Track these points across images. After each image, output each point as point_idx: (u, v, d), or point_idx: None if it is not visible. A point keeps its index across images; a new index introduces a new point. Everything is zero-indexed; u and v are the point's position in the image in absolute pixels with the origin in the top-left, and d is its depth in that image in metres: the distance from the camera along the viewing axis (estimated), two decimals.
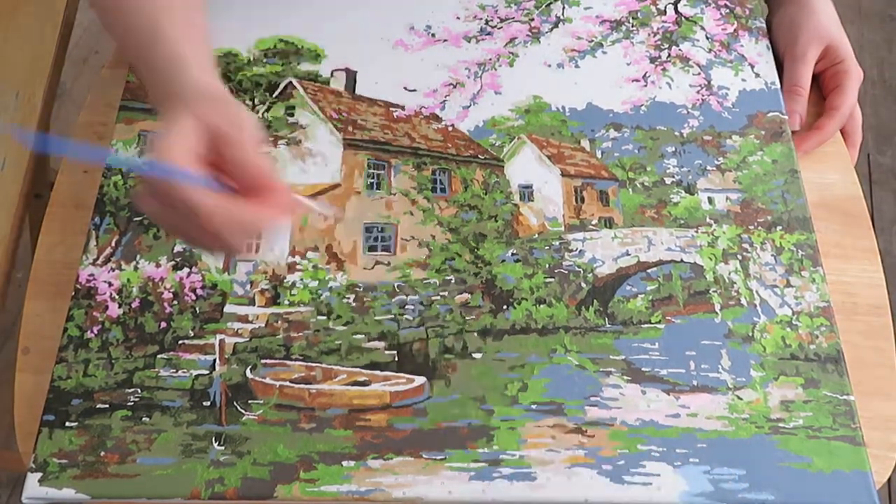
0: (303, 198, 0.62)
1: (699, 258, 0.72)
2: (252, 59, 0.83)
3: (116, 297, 0.70)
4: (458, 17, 0.87)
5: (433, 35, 0.86)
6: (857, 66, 0.82)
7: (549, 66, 0.84)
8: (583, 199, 0.76)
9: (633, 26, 0.86)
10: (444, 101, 0.81)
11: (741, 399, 0.65)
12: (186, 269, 0.72)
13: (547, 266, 0.72)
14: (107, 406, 0.65)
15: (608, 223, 0.75)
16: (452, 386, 0.66)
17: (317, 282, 0.71)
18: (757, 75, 0.83)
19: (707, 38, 0.86)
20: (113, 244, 0.73)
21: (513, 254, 0.73)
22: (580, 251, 0.73)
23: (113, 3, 0.64)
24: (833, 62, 0.82)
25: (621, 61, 0.84)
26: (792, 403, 0.65)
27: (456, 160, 0.78)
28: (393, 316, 0.69)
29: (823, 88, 0.83)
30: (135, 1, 0.63)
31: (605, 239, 0.74)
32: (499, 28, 0.86)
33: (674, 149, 0.79)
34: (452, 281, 0.72)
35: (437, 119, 0.80)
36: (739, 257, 0.72)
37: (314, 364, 0.67)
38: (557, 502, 0.62)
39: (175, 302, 0.70)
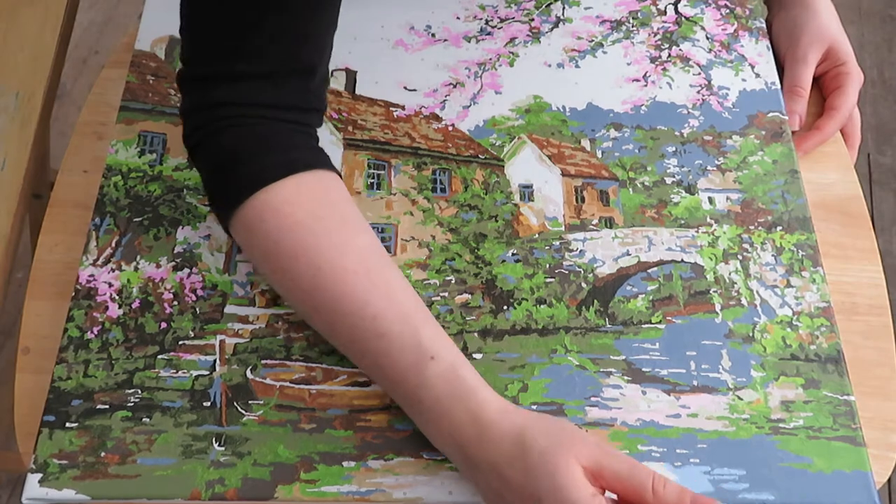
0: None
1: (700, 258, 0.72)
2: None
3: (116, 297, 0.70)
4: (458, 17, 0.87)
5: (433, 35, 0.86)
6: (858, 69, 0.83)
7: (550, 65, 0.84)
8: (583, 199, 0.76)
9: (633, 26, 0.86)
10: (445, 100, 0.81)
11: (741, 399, 0.65)
12: (187, 270, 0.72)
13: (547, 266, 0.72)
14: (107, 407, 0.65)
15: (609, 223, 0.75)
16: None
17: None
18: (757, 75, 0.83)
19: (707, 39, 0.86)
20: (113, 245, 0.73)
21: (513, 254, 0.73)
22: (580, 251, 0.73)
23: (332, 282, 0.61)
24: (834, 64, 0.82)
25: (621, 61, 0.84)
26: (792, 404, 0.65)
27: (456, 160, 0.78)
28: None
29: (824, 90, 0.83)
30: (372, 290, 0.61)
31: (605, 239, 0.74)
32: (499, 28, 0.86)
33: (674, 149, 0.79)
34: (452, 281, 0.71)
35: (438, 119, 0.80)
36: (740, 257, 0.72)
37: (315, 364, 0.67)
38: None
39: (175, 302, 0.70)
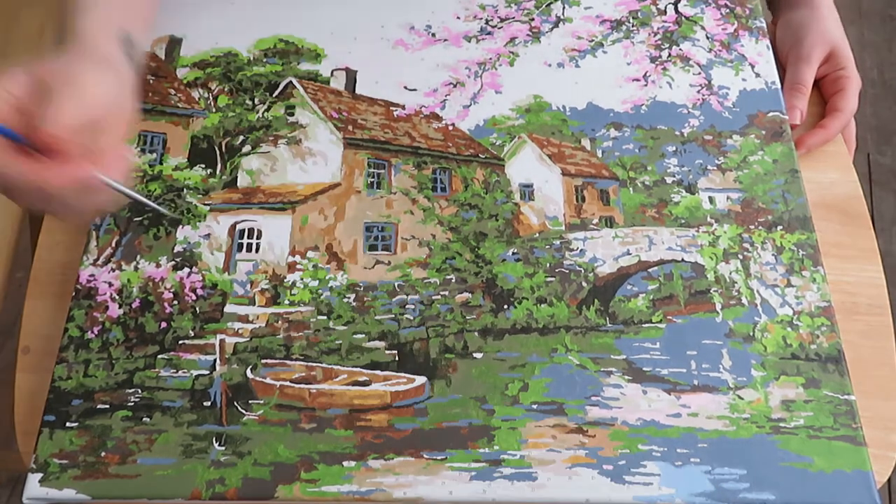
0: (105, 177, 0.57)
1: (700, 258, 0.72)
2: (252, 58, 0.83)
3: (117, 297, 0.70)
4: (458, 17, 0.87)
5: (433, 35, 0.86)
6: (857, 74, 0.83)
7: (550, 65, 0.84)
8: (583, 199, 0.76)
9: (633, 26, 0.86)
10: (445, 100, 0.81)
11: (742, 399, 0.65)
12: (187, 270, 0.72)
13: (548, 265, 0.72)
14: (107, 406, 0.65)
15: (609, 222, 0.75)
16: (453, 386, 0.66)
17: (317, 281, 0.71)
18: (757, 75, 0.83)
19: (707, 38, 0.86)
20: (113, 244, 0.73)
21: (513, 253, 0.73)
22: (581, 250, 0.73)
23: None
24: (836, 67, 0.83)
25: (622, 61, 0.84)
26: (793, 403, 0.65)
27: (456, 159, 0.78)
28: (393, 315, 0.69)
29: (824, 92, 0.84)
30: None
31: (605, 238, 0.74)
32: (499, 28, 0.86)
33: (674, 148, 0.78)
34: (453, 280, 0.71)
35: (438, 118, 0.80)
36: (740, 257, 0.72)
37: (315, 364, 0.67)
38: (558, 502, 0.62)
39: (175, 302, 0.70)
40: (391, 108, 0.81)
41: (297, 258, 0.72)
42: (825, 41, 0.83)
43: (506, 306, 0.70)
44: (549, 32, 0.86)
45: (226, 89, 0.81)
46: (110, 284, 0.71)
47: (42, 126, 0.53)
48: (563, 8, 0.88)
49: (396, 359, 0.67)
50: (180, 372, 0.67)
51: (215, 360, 0.67)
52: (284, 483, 0.62)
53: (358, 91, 0.82)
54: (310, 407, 0.65)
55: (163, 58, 0.83)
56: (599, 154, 0.79)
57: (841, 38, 0.84)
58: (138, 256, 0.72)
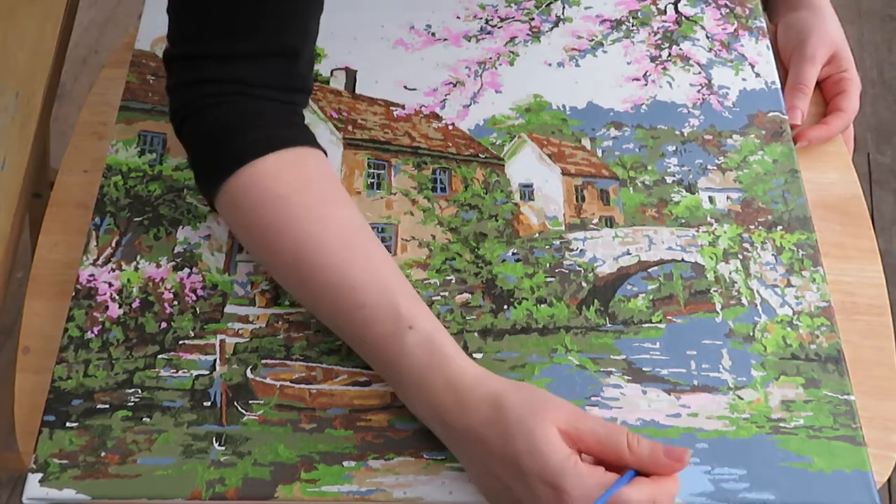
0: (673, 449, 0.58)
1: (700, 257, 0.72)
2: None
3: (117, 297, 0.70)
4: (458, 17, 0.87)
5: (433, 34, 0.86)
6: (858, 77, 0.84)
7: (550, 65, 0.84)
8: (583, 198, 0.76)
9: (633, 26, 0.86)
10: (445, 100, 0.81)
11: (742, 399, 0.65)
12: (187, 270, 0.72)
13: (547, 265, 0.72)
14: (107, 406, 0.65)
15: (609, 222, 0.75)
16: None
17: None
18: (757, 75, 0.83)
19: (707, 38, 0.86)
20: (113, 244, 0.73)
21: (513, 253, 0.73)
22: (581, 250, 0.73)
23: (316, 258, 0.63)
24: (838, 69, 0.83)
25: (622, 60, 0.84)
26: (793, 403, 0.65)
27: (456, 159, 0.78)
28: None
29: (826, 93, 0.84)
30: (353, 263, 0.62)
31: (605, 238, 0.74)
32: (499, 27, 0.86)
33: (674, 148, 0.79)
34: (453, 281, 0.71)
35: (438, 118, 0.80)
36: (740, 257, 0.72)
37: (315, 364, 0.67)
38: None
39: (175, 302, 0.70)
40: (391, 107, 0.81)
41: None
42: (828, 42, 0.83)
43: (505, 307, 0.70)
44: (549, 32, 0.86)
45: None
46: (110, 284, 0.71)
47: (641, 452, 0.56)
48: (563, 7, 0.88)
49: None
50: (180, 372, 0.67)
51: (215, 361, 0.67)
52: (284, 483, 0.62)
53: (358, 91, 0.82)
54: (310, 407, 0.65)
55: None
56: (599, 154, 0.79)
57: (842, 40, 0.84)
58: (138, 256, 0.72)
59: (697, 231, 0.74)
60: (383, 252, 0.65)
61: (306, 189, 0.65)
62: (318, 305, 0.65)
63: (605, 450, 0.56)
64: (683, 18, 0.87)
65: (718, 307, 0.70)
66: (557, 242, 0.74)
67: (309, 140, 0.68)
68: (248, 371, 0.67)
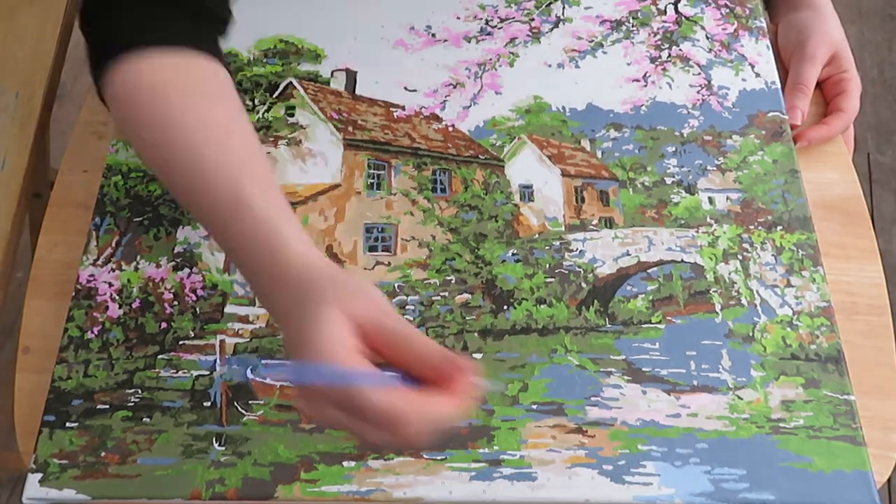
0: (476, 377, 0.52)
1: (699, 258, 0.72)
2: (252, 59, 0.83)
3: (117, 297, 0.70)
4: (458, 17, 0.87)
5: (433, 35, 0.86)
6: (858, 77, 0.83)
7: (550, 66, 0.84)
8: (583, 199, 0.76)
9: (633, 26, 0.86)
10: (445, 101, 0.81)
11: (742, 399, 0.65)
12: (187, 270, 0.72)
13: (547, 266, 0.72)
14: (107, 406, 0.65)
15: (608, 223, 0.75)
16: None
17: None
18: (757, 75, 0.83)
19: (707, 38, 0.86)
20: (113, 245, 0.73)
21: (513, 254, 0.73)
22: (580, 251, 0.73)
23: (182, 156, 0.59)
24: (839, 70, 0.83)
25: (621, 61, 0.84)
26: (792, 403, 0.65)
27: (456, 160, 0.78)
28: None
29: (826, 94, 0.84)
30: (211, 159, 0.58)
31: (605, 239, 0.74)
32: (499, 28, 0.86)
33: (674, 149, 0.79)
34: (453, 281, 0.72)
35: (438, 119, 0.80)
36: (740, 257, 0.72)
37: None
38: (558, 502, 0.62)
39: (175, 302, 0.70)
40: (391, 108, 0.81)
41: None
42: (829, 42, 0.83)
43: (505, 307, 0.70)
44: (549, 33, 0.86)
45: None
46: (110, 285, 0.71)
47: (423, 355, 0.50)
48: (563, 8, 0.88)
49: None
50: (180, 372, 0.67)
51: (215, 361, 0.67)
52: (284, 483, 0.62)
53: (358, 91, 0.82)
54: None
55: None
56: (599, 155, 0.79)
57: (843, 40, 0.84)
58: (138, 257, 0.72)
59: (697, 232, 0.74)
60: (245, 134, 0.60)
61: (188, 87, 0.61)
62: (193, 209, 0.61)
63: (399, 359, 0.51)
64: (683, 19, 0.87)
65: (718, 307, 0.70)
66: (557, 243, 0.74)
67: (214, 52, 0.64)
68: (249, 371, 0.67)
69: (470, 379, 0.50)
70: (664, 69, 0.83)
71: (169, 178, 0.61)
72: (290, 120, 0.80)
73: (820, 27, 0.84)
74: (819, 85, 0.84)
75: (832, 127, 0.80)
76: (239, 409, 0.65)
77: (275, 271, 0.55)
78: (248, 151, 0.60)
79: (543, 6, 0.88)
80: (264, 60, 0.83)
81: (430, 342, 0.51)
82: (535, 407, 0.65)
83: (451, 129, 0.80)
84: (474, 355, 0.67)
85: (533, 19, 0.87)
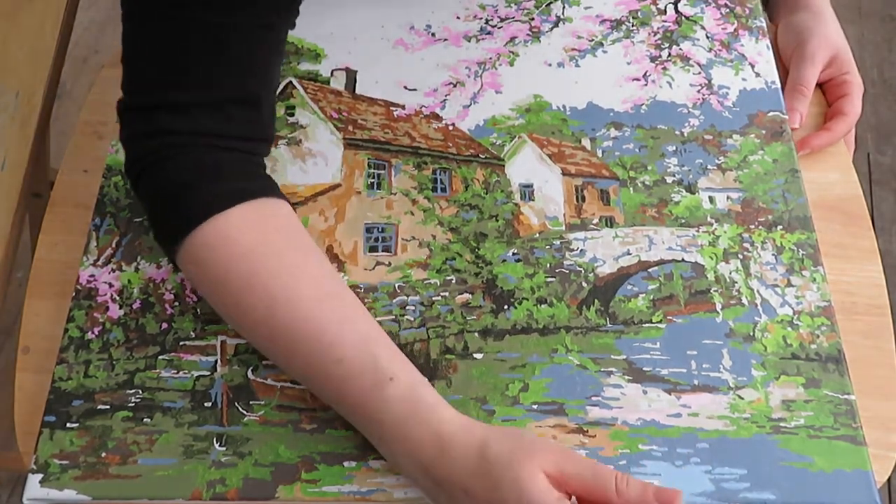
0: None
1: (700, 257, 0.72)
2: None
3: (117, 298, 0.70)
4: (458, 17, 0.87)
5: (433, 34, 0.86)
6: (860, 79, 0.83)
7: (550, 65, 0.84)
8: (584, 199, 0.76)
9: (633, 26, 0.86)
10: (445, 100, 0.81)
11: (742, 398, 0.65)
12: None
13: (548, 265, 0.72)
14: (108, 407, 0.65)
15: (609, 222, 0.75)
16: (453, 386, 0.66)
17: None
18: (757, 75, 0.83)
19: (707, 38, 0.86)
20: (113, 245, 0.73)
21: (514, 253, 0.73)
22: (581, 250, 0.73)
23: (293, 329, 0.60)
24: (839, 72, 0.83)
25: (622, 60, 0.84)
26: (793, 403, 0.65)
27: (456, 159, 0.78)
28: (394, 316, 0.69)
29: (828, 96, 0.84)
30: (331, 331, 0.59)
31: (606, 238, 0.74)
32: (499, 27, 0.86)
33: (674, 148, 0.79)
34: (453, 281, 0.71)
35: (438, 118, 0.80)
36: (740, 257, 0.72)
37: None
38: None
39: (176, 303, 0.70)
40: (391, 108, 0.81)
41: None
42: (829, 44, 0.83)
43: (506, 307, 0.70)
44: (549, 32, 0.86)
45: None
46: (111, 285, 0.71)
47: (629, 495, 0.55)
48: (563, 7, 0.88)
49: None
50: (181, 373, 0.67)
51: (216, 361, 0.67)
52: (285, 483, 0.62)
53: (358, 91, 0.82)
54: (311, 407, 0.65)
55: None
56: (599, 154, 0.79)
57: (843, 42, 0.85)
58: (139, 257, 0.72)
59: (697, 231, 0.74)
60: (358, 304, 0.62)
61: (273, 241, 0.62)
62: (293, 362, 0.62)
63: (593, 493, 0.55)
64: (683, 18, 0.87)
65: (719, 307, 0.70)
66: (558, 242, 0.74)
67: (272, 190, 0.65)
68: (249, 371, 0.67)
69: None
70: (664, 68, 0.83)
71: (280, 348, 0.62)
72: (290, 119, 0.80)
73: (820, 29, 0.84)
74: (820, 86, 0.84)
75: (835, 133, 0.80)
76: (240, 409, 0.65)
77: (438, 447, 0.57)
78: (363, 314, 0.62)
79: (543, 6, 0.88)
80: None
81: (618, 475, 0.55)
82: (535, 407, 0.65)
83: (451, 128, 0.80)
84: (475, 355, 0.67)
85: (533, 19, 0.87)
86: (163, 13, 0.62)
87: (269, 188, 0.66)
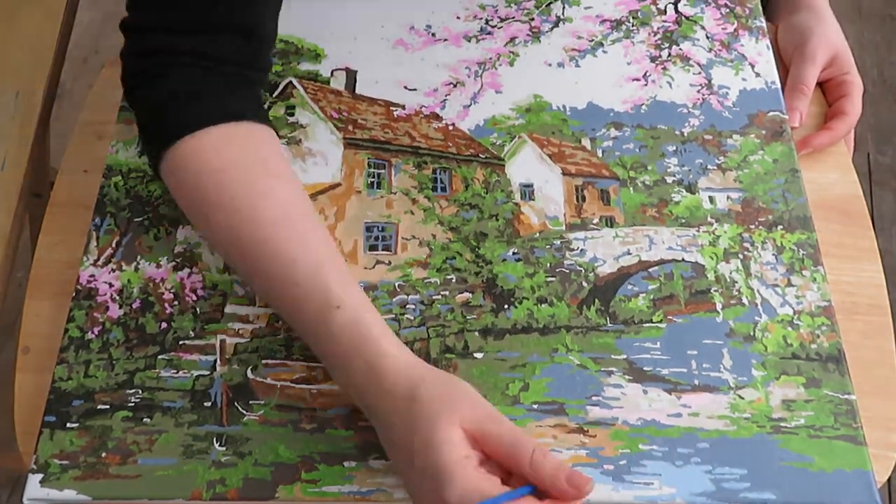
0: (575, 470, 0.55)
1: (700, 257, 0.72)
2: None
3: (117, 297, 0.70)
4: (458, 17, 0.87)
5: (433, 34, 0.86)
6: (860, 79, 0.83)
7: (550, 65, 0.84)
8: (584, 198, 0.76)
9: (633, 26, 0.86)
10: (445, 100, 0.81)
11: (742, 398, 0.65)
12: (187, 270, 0.71)
13: (548, 265, 0.72)
14: (108, 407, 0.65)
15: (609, 222, 0.75)
16: None
17: None
18: (757, 75, 0.83)
19: (707, 38, 0.86)
20: (113, 245, 0.73)
21: (514, 253, 0.73)
22: (581, 250, 0.73)
23: (257, 250, 0.63)
24: (839, 72, 0.83)
25: (622, 60, 0.84)
26: (793, 403, 0.65)
27: (457, 159, 0.78)
28: (394, 315, 0.69)
29: (828, 96, 0.84)
30: (290, 257, 0.61)
31: (606, 238, 0.74)
32: (499, 27, 0.86)
33: (675, 148, 0.79)
34: (453, 280, 0.71)
35: (438, 118, 0.80)
36: (741, 256, 0.72)
37: (315, 364, 0.67)
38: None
39: (176, 302, 0.70)
40: (391, 107, 0.81)
41: None
42: (829, 44, 0.84)
43: (506, 306, 0.70)
44: (549, 32, 0.86)
45: None
46: (111, 285, 0.71)
47: (540, 466, 0.54)
48: (563, 8, 0.88)
49: None
50: (181, 372, 0.67)
51: (216, 361, 0.67)
52: (285, 483, 0.62)
53: (358, 91, 0.82)
54: (311, 407, 0.65)
55: None
56: (600, 154, 0.79)
57: (843, 42, 0.85)
58: (138, 257, 0.72)
59: (698, 231, 0.74)
60: (321, 230, 0.65)
61: (247, 163, 0.65)
62: (254, 280, 0.65)
63: (507, 459, 0.55)
64: (683, 18, 0.87)
65: (719, 307, 0.70)
66: (558, 242, 0.74)
67: (258, 115, 0.68)
68: (249, 371, 0.67)
69: (576, 476, 0.53)
70: (664, 68, 0.83)
71: (243, 265, 0.65)
72: (290, 119, 0.80)
73: (820, 29, 0.84)
74: (820, 87, 0.84)
75: (836, 132, 0.81)
76: (239, 409, 0.65)
77: (373, 379, 0.58)
78: (323, 241, 0.64)
79: (543, 6, 0.88)
80: None
81: (536, 449, 0.54)
82: (535, 406, 0.65)
83: (451, 127, 0.80)
84: (475, 355, 0.67)
85: (533, 19, 0.87)
86: None
87: (254, 112, 0.68)
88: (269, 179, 0.65)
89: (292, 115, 0.80)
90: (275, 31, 0.71)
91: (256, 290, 0.67)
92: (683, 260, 0.72)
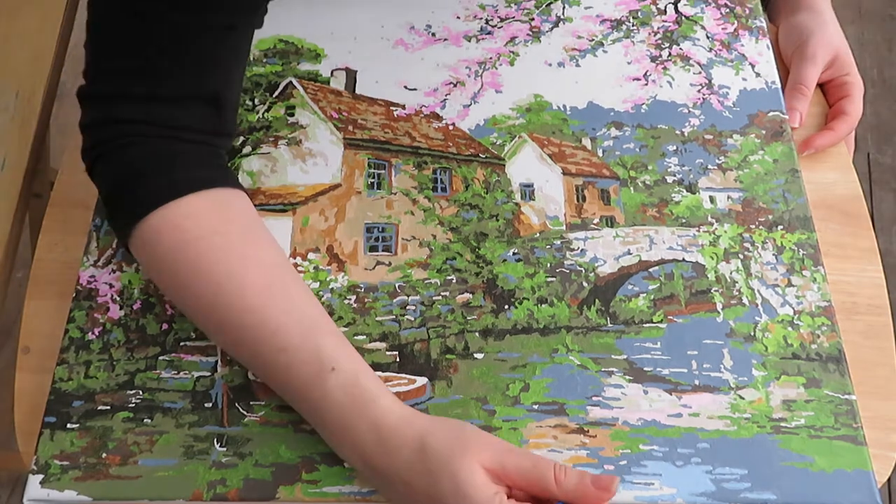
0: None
1: (701, 257, 0.72)
2: (252, 59, 0.83)
3: (118, 298, 0.70)
4: (458, 17, 0.87)
5: (433, 34, 0.86)
6: (861, 79, 0.83)
7: (550, 65, 0.84)
8: (584, 198, 0.76)
9: (633, 25, 0.86)
10: (445, 99, 0.81)
11: (743, 398, 0.65)
12: None
13: (548, 265, 0.72)
14: (108, 408, 0.65)
15: (610, 222, 0.75)
16: (454, 386, 0.66)
17: (318, 283, 0.71)
18: (758, 75, 0.83)
19: (707, 38, 0.86)
20: (114, 245, 0.73)
21: (514, 253, 0.73)
22: (582, 250, 0.73)
23: (240, 318, 0.61)
24: (840, 73, 0.83)
25: (622, 60, 0.84)
26: (794, 403, 0.65)
27: (457, 159, 0.78)
28: (394, 316, 0.69)
29: (829, 96, 0.84)
30: (280, 321, 0.60)
31: (606, 238, 0.74)
32: (499, 27, 0.86)
33: (675, 147, 0.79)
34: (454, 281, 0.71)
35: (438, 118, 0.80)
36: (741, 256, 0.72)
37: None
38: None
39: None
40: (391, 107, 0.81)
41: (298, 260, 0.72)
42: (830, 44, 0.83)
43: (506, 307, 0.70)
44: (550, 32, 0.86)
45: None
46: (111, 286, 0.71)
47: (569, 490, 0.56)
48: (563, 7, 0.88)
49: (397, 360, 0.67)
50: (181, 373, 0.67)
51: (216, 362, 0.67)
52: (286, 484, 0.62)
53: (358, 91, 0.82)
54: None
55: None
56: (600, 153, 0.79)
57: (844, 43, 0.85)
58: None
59: (698, 231, 0.74)
60: (306, 292, 0.63)
61: (226, 230, 0.63)
62: (239, 350, 0.63)
63: (533, 484, 0.56)
64: (683, 18, 0.87)
65: (719, 307, 0.70)
66: (558, 242, 0.74)
67: (228, 181, 0.66)
68: (250, 372, 0.66)
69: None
70: (665, 68, 0.83)
71: (227, 334, 0.63)
72: (290, 120, 0.80)
73: (821, 29, 0.84)
74: (821, 87, 0.84)
75: (837, 132, 0.81)
76: (240, 409, 0.65)
77: (378, 439, 0.57)
78: (310, 303, 0.63)
79: (543, 6, 0.88)
80: (264, 60, 0.83)
81: (556, 466, 0.56)
82: (536, 407, 0.65)
83: (451, 127, 0.80)
84: (476, 355, 0.67)
85: (533, 19, 0.87)
86: (130, 7, 0.62)
87: (224, 179, 0.66)
88: (249, 246, 0.64)
89: (292, 115, 0.80)
90: (239, 94, 0.69)
91: (241, 359, 0.64)
92: (684, 260, 0.72)
